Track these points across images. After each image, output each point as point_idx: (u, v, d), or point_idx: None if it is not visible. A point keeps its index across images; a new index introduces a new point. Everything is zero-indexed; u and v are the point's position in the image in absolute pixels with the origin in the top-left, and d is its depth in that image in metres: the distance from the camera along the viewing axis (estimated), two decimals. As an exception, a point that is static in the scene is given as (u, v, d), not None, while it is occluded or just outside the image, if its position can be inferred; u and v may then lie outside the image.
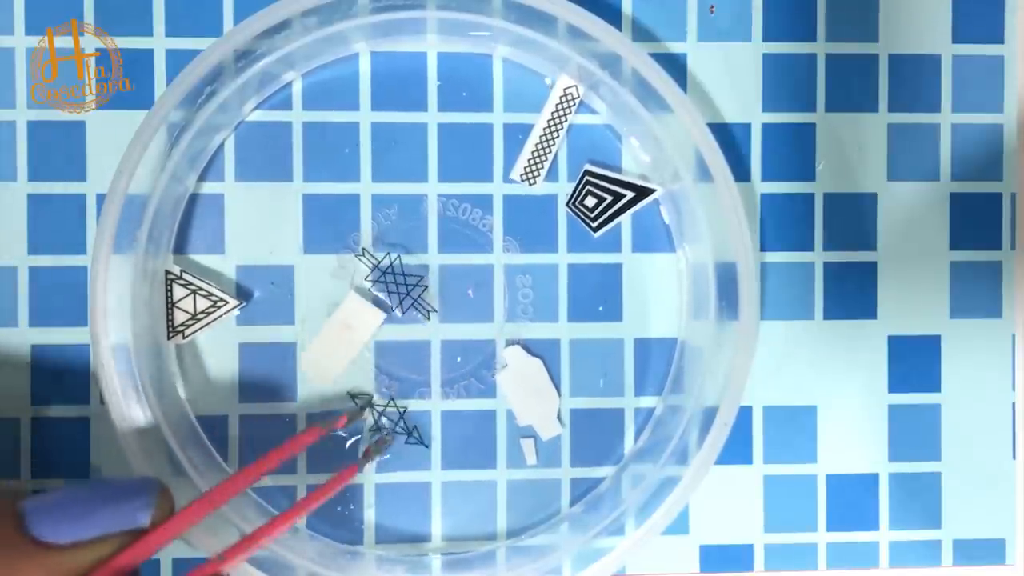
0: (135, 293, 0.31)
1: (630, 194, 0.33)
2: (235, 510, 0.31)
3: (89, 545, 0.22)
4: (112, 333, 0.30)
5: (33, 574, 0.22)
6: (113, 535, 0.23)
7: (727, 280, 0.32)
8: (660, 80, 0.31)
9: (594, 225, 0.33)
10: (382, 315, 0.32)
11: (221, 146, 0.32)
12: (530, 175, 0.33)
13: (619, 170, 0.33)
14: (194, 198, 0.32)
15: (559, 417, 0.33)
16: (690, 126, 0.31)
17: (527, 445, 0.33)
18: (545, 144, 0.33)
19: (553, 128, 0.33)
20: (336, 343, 0.32)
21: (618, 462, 0.33)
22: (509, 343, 0.33)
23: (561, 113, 0.33)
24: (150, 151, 0.30)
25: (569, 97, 0.33)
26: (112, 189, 0.30)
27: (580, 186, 0.33)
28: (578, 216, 0.33)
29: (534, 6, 0.30)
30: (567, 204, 0.33)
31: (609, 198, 0.33)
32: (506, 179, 0.33)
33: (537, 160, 0.33)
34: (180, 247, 0.32)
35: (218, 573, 0.25)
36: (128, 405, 0.30)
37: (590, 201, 0.33)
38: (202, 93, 0.31)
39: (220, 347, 0.32)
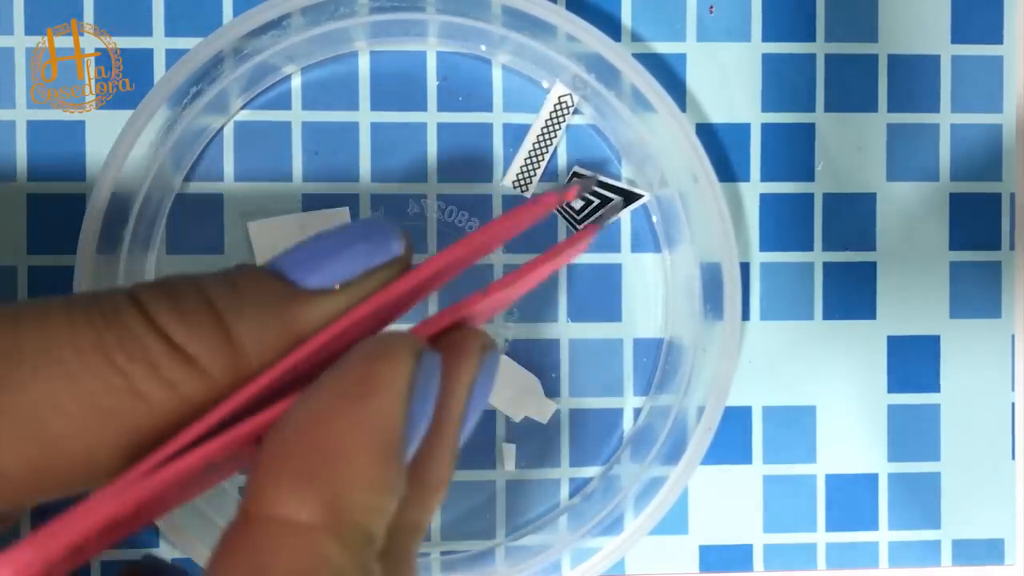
0: None
1: (617, 198, 0.33)
2: (210, 504, 0.31)
3: (356, 284, 0.20)
4: None
5: (313, 318, 0.19)
6: (374, 270, 0.20)
7: (713, 281, 0.32)
8: (645, 83, 0.31)
9: (580, 228, 0.33)
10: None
11: (221, 145, 0.32)
12: (522, 183, 0.33)
13: (609, 174, 0.33)
14: (192, 198, 0.32)
15: (546, 396, 0.33)
16: (677, 131, 0.31)
17: (508, 451, 0.33)
18: (538, 152, 0.33)
19: (547, 136, 0.33)
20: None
21: (612, 461, 0.34)
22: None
23: (555, 121, 0.33)
24: (139, 149, 0.30)
25: (564, 106, 0.33)
26: (96, 188, 0.30)
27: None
28: (564, 218, 0.33)
29: (525, 9, 0.30)
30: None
31: (597, 201, 0.33)
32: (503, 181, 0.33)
33: (529, 167, 0.33)
34: (180, 247, 0.33)
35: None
36: None
37: (577, 204, 0.33)
38: (188, 92, 0.30)
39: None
